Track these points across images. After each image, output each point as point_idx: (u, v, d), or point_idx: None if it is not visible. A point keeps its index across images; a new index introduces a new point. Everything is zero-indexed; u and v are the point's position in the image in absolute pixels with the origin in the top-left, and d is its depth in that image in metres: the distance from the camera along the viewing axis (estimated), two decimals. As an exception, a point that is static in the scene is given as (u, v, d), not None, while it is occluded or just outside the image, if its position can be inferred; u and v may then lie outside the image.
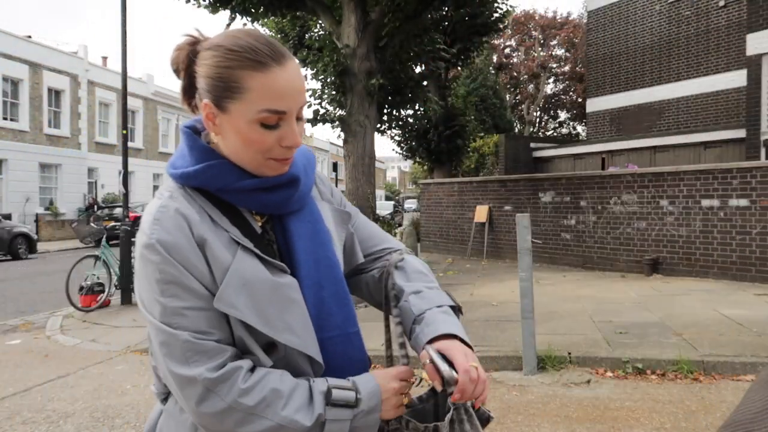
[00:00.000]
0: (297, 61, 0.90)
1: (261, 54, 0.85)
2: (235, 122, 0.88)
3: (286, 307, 0.91)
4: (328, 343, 0.95)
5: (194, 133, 0.97)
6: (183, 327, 0.84)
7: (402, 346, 0.93)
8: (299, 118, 0.91)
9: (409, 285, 1.04)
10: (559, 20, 32.50)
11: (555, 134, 34.39)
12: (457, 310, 1.03)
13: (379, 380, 0.93)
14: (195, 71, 0.91)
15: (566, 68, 32.72)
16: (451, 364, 0.87)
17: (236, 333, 0.88)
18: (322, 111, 10.51)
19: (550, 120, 35.36)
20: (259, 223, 0.98)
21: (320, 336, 0.94)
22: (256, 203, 0.95)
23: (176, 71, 0.94)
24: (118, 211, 18.42)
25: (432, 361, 0.89)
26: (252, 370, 0.87)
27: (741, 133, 12.41)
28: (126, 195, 8.45)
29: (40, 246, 17.68)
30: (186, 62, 0.92)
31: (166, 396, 0.97)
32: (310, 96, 10.53)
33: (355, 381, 0.92)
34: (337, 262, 1.02)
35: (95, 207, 21.40)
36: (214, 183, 0.92)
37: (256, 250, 0.91)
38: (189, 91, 0.94)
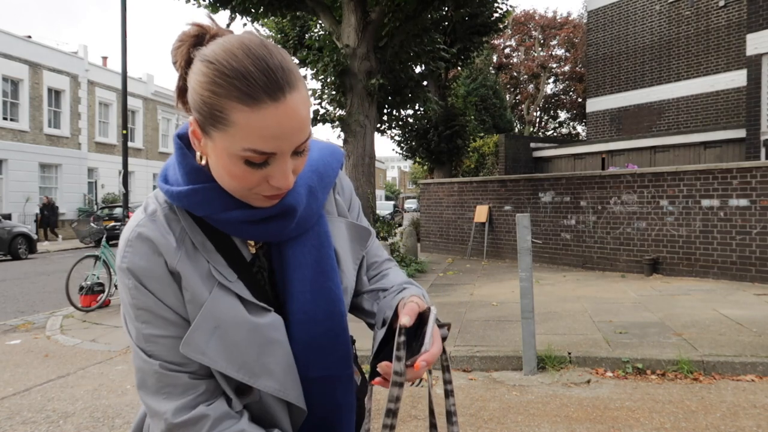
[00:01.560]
0: (302, 92, 0.76)
1: (253, 86, 0.71)
2: (218, 150, 0.76)
3: (266, 349, 0.83)
4: (312, 384, 0.88)
5: (188, 144, 0.87)
6: (155, 356, 0.81)
7: (399, 359, 0.79)
8: (299, 152, 0.79)
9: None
10: (559, 20, 32.50)
11: (555, 134, 34.40)
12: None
13: None
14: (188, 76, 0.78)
15: (566, 68, 32.72)
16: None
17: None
18: (322, 111, 10.52)
19: (550, 120, 35.36)
20: (253, 249, 0.89)
21: (305, 375, 0.87)
22: (244, 233, 0.86)
23: (174, 64, 0.81)
24: (118, 211, 18.45)
25: (427, 312, 0.84)
26: (221, 418, 0.82)
27: (741, 133, 12.41)
28: (126, 195, 8.45)
29: (40, 246, 17.69)
30: (184, 59, 0.79)
31: None
32: (311, 96, 10.53)
33: None
34: (340, 294, 0.92)
35: (51, 207, 20.45)
36: (198, 210, 0.83)
37: (235, 290, 0.83)
38: (184, 93, 0.82)
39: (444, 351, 0.88)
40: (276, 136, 0.73)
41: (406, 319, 0.81)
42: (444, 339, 0.88)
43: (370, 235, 1.03)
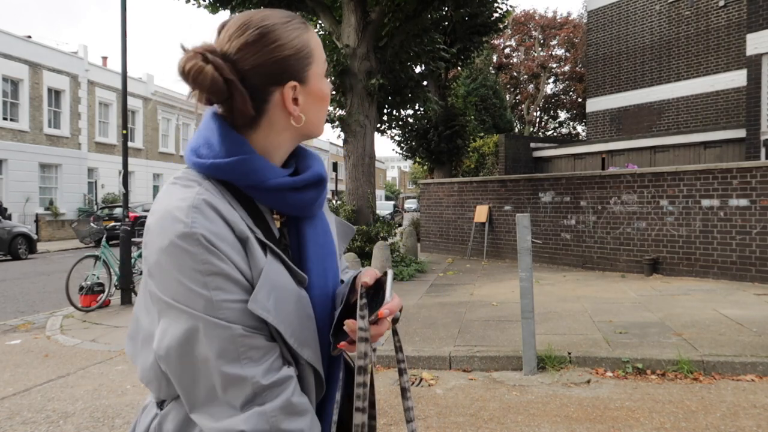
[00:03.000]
0: None
1: (299, 18, 0.91)
2: (313, 87, 0.91)
3: (305, 320, 0.86)
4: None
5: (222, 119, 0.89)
6: (233, 320, 0.78)
7: (362, 317, 0.84)
8: None
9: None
10: (559, 20, 32.51)
11: (555, 134, 34.41)
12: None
13: None
14: (241, 71, 0.84)
15: (566, 68, 32.72)
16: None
17: None
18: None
19: (550, 120, 35.37)
20: (278, 224, 0.93)
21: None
22: (283, 203, 0.89)
23: (211, 88, 0.84)
24: (118, 211, 18.44)
25: (384, 277, 0.90)
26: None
27: (741, 133, 12.42)
28: (126, 195, 8.44)
29: (40, 246, 17.68)
30: (216, 75, 0.83)
31: (162, 402, 0.89)
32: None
33: None
34: (339, 275, 0.99)
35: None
36: (247, 179, 0.85)
37: (285, 257, 0.86)
38: (242, 81, 0.85)
39: (396, 333, 0.97)
40: (322, 46, 0.95)
41: (367, 278, 0.88)
42: (395, 321, 0.94)
43: (353, 233, 1.14)
